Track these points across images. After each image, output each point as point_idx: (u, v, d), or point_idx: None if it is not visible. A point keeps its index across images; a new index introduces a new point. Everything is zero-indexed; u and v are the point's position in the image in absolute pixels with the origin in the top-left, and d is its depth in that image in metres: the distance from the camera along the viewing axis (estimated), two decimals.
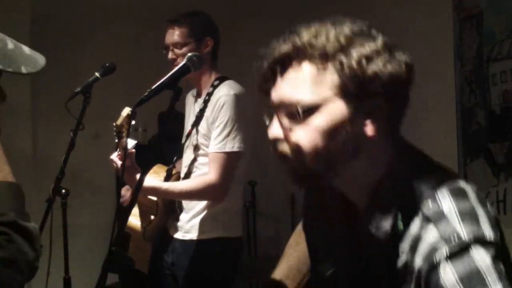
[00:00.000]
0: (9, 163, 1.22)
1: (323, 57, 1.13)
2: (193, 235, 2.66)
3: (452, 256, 1.06)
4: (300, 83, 1.13)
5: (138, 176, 2.39)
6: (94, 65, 2.69)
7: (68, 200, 2.76)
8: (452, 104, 3.20)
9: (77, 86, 2.61)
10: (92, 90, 2.61)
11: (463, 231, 1.08)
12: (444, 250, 1.07)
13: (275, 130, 1.17)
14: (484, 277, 1.04)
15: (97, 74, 2.63)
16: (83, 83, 2.61)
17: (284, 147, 1.17)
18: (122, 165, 2.20)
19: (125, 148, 2.36)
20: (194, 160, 2.68)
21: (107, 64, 2.68)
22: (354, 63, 1.11)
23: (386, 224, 1.16)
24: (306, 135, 1.14)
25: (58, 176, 2.61)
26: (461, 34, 3.17)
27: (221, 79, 2.67)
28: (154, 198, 2.68)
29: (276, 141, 1.18)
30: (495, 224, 1.12)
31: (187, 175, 2.70)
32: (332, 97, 1.12)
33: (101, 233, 4.06)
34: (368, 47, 1.13)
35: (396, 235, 1.15)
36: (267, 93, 1.19)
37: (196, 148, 2.67)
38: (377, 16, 3.66)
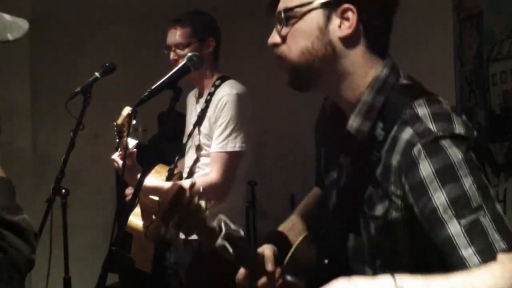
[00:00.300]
0: (1, 159, 1.20)
1: None
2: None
3: (427, 150, 1.19)
4: None
5: (139, 175, 2.40)
6: (94, 65, 2.69)
7: (68, 200, 2.75)
8: (452, 104, 3.20)
9: (77, 86, 2.61)
10: (92, 90, 2.61)
11: (435, 128, 1.21)
12: (419, 145, 1.20)
13: (271, 37, 1.36)
14: (456, 170, 1.18)
15: (97, 74, 2.64)
16: (83, 83, 2.61)
17: (278, 51, 1.35)
18: (123, 164, 2.20)
19: (125, 148, 2.37)
20: (197, 160, 2.69)
21: (107, 64, 2.68)
22: None
23: (365, 127, 1.30)
24: (291, 37, 1.32)
25: (58, 176, 2.61)
26: (461, 34, 3.17)
27: (223, 79, 2.68)
28: (156, 198, 2.68)
29: (274, 46, 1.36)
30: (468, 126, 1.25)
31: (190, 175, 2.70)
32: (310, 5, 1.30)
33: (101, 233, 4.07)
34: None
35: (376, 141, 1.29)
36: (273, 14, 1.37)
37: (199, 148, 2.67)
38: None
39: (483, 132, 3.03)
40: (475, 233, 1.15)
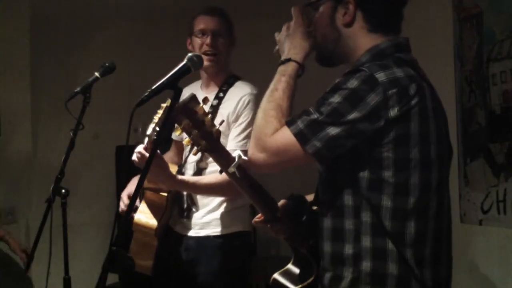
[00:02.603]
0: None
1: None
2: (209, 230, 2.67)
3: (345, 73, 1.59)
4: None
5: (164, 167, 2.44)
6: (94, 65, 2.69)
7: (68, 200, 2.75)
8: (452, 104, 3.20)
9: (77, 86, 2.61)
10: (92, 90, 2.61)
11: (369, 69, 1.55)
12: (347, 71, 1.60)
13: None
14: (340, 91, 1.55)
15: (97, 74, 2.63)
16: (83, 83, 2.61)
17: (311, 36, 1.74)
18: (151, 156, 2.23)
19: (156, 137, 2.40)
20: (203, 156, 2.68)
21: (107, 64, 2.67)
22: None
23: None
24: (315, 26, 1.73)
25: (58, 176, 2.61)
26: (461, 34, 3.17)
27: (235, 78, 2.72)
28: (165, 194, 2.68)
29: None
30: (402, 87, 1.55)
31: (198, 171, 2.69)
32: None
33: (101, 233, 4.08)
34: None
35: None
36: None
37: None
38: None
39: (483, 132, 3.03)
40: (301, 113, 1.60)
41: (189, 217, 2.72)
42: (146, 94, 1.81)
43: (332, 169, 1.63)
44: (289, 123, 1.59)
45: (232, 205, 2.67)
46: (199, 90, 2.76)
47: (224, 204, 2.67)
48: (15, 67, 4.21)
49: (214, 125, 1.67)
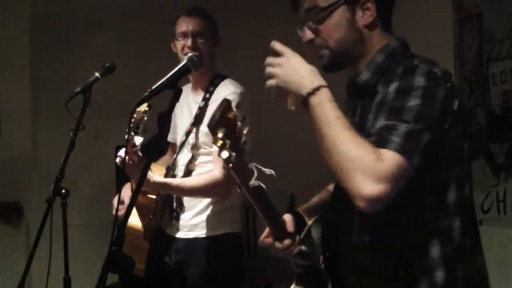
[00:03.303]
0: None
1: None
2: (198, 232, 2.67)
3: (403, 72, 1.46)
4: None
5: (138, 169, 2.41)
6: (94, 65, 2.69)
7: (68, 200, 2.75)
8: None
9: (77, 86, 2.61)
10: (92, 90, 2.61)
11: (419, 63, 1.47)
12: (400, 68, 1.48)
13: (305, 35, 1.64)
14: (410, 90, 1.43)
15: (97, 74, 2.63)
16: (83, 83, 2.60)
17: (317, 45, 1.62)
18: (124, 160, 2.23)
19: (134, 144, 2.38)
20: (193, 158, 2.68)
21: (107, 64, 2.67)
22: None
23: (372, 80, 1.57)
24: (324, 31, 1.61)
25: (58, 176, 2.61)
26: (461, 34, 3.17)
27: (221, 77, 2.68)
28: (153, 197, 2.68)
29: (309, 42, 1.63)
30: (449, 79, 1.49)
31: (187, 174, 2.70)
32: (338, 3, 1.58)
33: (101, 233, 4.07)
34: None
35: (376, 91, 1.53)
36: (296, 11, 1.66)
37: (195, 147, 2.66)
38: None
39: (483, 132, 3.03)
40: (386, 131, 1.41)
41: (178, 219, 2.72)
42: (146, 94, 1.81)
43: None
44: (383, 143, 1.39)
45: (221, 207, 2.66)
46: (189, 93, 2.76)
47: (212, 206, 2.66)
48: (15, 67, 4.21)
49: (243, 134, 1.47)
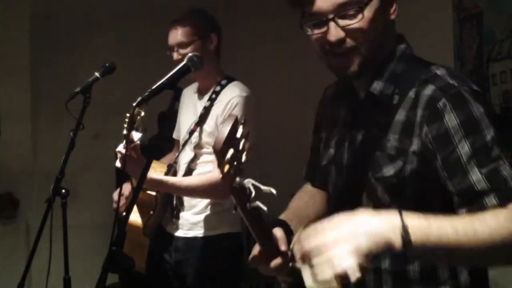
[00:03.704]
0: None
1: None
2: (197, 232, 2.67)
3: (453, 102, 1.28)
4: None
5: (137, 165, 2.40)
6: (94, 65, 2.69)
7: (68, 200, 2.75)
8: None
9: (77, 86, 2.61)
10: (92, 90, 2.61)
11: (456, 83, 1.33)
12: (444, 99, 1.29)
13: (335, 34, 1.38)
14: (479, 122, 1.27)
15: (97, 74, 2.63)
16: (83, 83, 2.60)
17: (348, 44, 1.38)
18: (125, 155, 2.23)
19: (129, 140, 2.36)
20: (195, 157, 2.69)
21: (107, 64, 2.67)
22: None
23: (388, 90, 1.40)
24: (358, 29, 1.36)
25: (58, 176, 2.61)
26: (461, 34, 3.17)
27: (229, 79, 2.69)
28: (153, 193, 2.68)
29: (339, 42, 1.38)
30: (479, 91, 1.36)
31: (188, 172, 2.70)
32: None
33: (101, 233, 4.07)
34: None
35: (390, 105, 1.38)
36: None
37: (198, 146, 2.67)
38: None
39: None
40: (495, 179, 1.23)
41: (178, 217, 2.73)
42: (146, 94, 1.81)
43: None
44: (506, 196, 1.22)
45: (221, 207, 2.66)
46: (195, 92, 2.77)
47: (212, 206, 2.66)
48: (15, 67, 4.21)
49: (248, 154, 1.30)
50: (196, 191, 2.61)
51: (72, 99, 2.57)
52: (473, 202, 1.24)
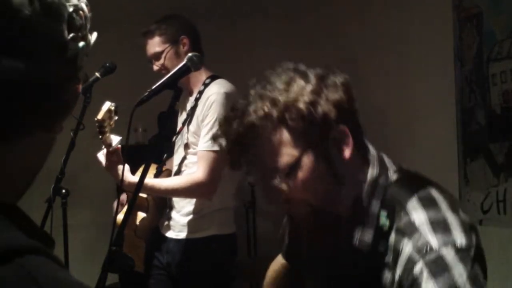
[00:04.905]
0: None
1: (276, 124, 1.19)
2: (187, 234, 2.67)
3: (430, 270, 1.10)
4: (271, 152, 1.20)
5: (120, 169, 2.40)
6: (94, 65, 2.69)
7: (68, 200, 2.75)
8: (452, 104, 3.20)
9: None
10: (92, 90, 2.61)
11: (435, 241, 1.12)
12: (421, 264, 1.12)
13: (278, 196, 1.24)
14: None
15: (97, 74, 2.64)
16: (83, 83, 2.61)
17: (292, 206, 1.26)
18: (117, 162, 2.22)
19: (110, 144, 2.36)
20: (184, 158, 2.69)
21: (107, 64, 2.68)
22: (302, 116, 1.17)
23: (368, 236, 1.23)
24: (297, 188, 1.21)
25: (58, 176, 2.61)
26: (461, 34, 3.17)
27: (213, 78, 2.69)
28: (144, 195, 2.68)
29: (286, 201, 1.25)
30: (469, 229, 1.16)
31: (177, 173, 2.71)
32: (300, 152, 1.19)
33: (101, 233, 4.07)
34: (307, 94, 1.18)
35: (376, 250, 1.22)
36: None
37: (187, 146, 2.68)
38: (377, 17, 3.67)
39: (483, 132, 3.03)
40: None
41: (170, 218, 2.73)
42: (146, 94, 1.81)
43: None
44: None
45: (210, 208, 2.66)
46: (186, 96, 2.78)
47: (200, 207, 2.66)
48: None
49: None
50: (179, 192, 2.61)
51: None
52: None
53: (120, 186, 2.22)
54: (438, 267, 1.10)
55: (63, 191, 2.65)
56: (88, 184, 4.27)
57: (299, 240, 1.47)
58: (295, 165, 1.20)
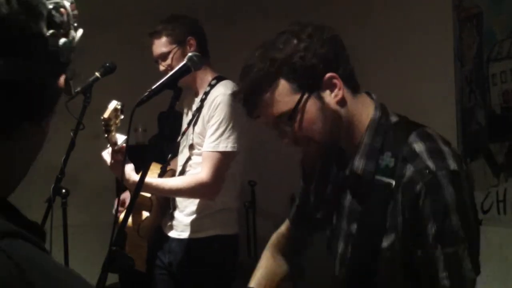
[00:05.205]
0: None
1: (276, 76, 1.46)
2: (188, 233, 2.67)
3: (428, 188, 1.36)
4: (275, 102, 1.46)
5: (127, 169, 2.40)
6: (94, 65, 2.69)
7: (68, 200, 2.75)
8: (452, 104, 3.20)
9: (77, 86, 2.60)
10: (92, 90, 2.61)
11: (432, 165, 1.38)
12: (421, 184, 1.37)
13: (286, 139, 1.50)
14: (448, 209, 1.36)
15: (97, 74, 2.63)
16: (83, 83, 2.61)
17: (302, 141, 1.49)
18: (123, 161, 2.22)
19: (116, 143, 2.35)
20: (189, 159, 2.69)
21: (107, 64, 2.68)
22: (296, 68, 1.44)
23: (370, 168, 1.46)
24: (301, 129, 1.46)
25: (58, 176, 2.61)
26: (461, 34, 3.17)
27: (219, 79, 2.69)
28: (148, 195, 2.68)
29: (293, 144, 1.50)
30: (459, 159, 1.42)
31: (181, 173, 2.71)
32: (299, 98, 1.45)
33: (101, 233, 4.07)
34: (299, 51, 1.44)
35: (387, 170, 1.44)
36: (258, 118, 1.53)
37: (191, 147, 2.68)
38: (377, 17, 3.67)
39: (483, 132, 3.03)
40: (451, 261, 1.38)
41: (172, 218, 2.73)
42: (146, 94, 1.81)
43: None
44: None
45: (213, 208, 2.66)
46: (189, 97, 2.79)
47: (203, 207, 2.66)
48: None
49: None
50: (182, 192, 2.61)
51: (72, 99, 2.57)
52: (433, 276, 1.39)
53: (121, 182, 2.21)
54: (434, 187, 1.36)
55: (63, 191, 2.66)
56: (88, 184, 4.27)
57: (309, 197, 1.70)
58: (296, 108, 1.44)
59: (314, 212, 1.66)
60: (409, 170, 1.39)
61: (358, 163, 1.47)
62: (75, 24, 0.87)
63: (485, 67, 3.01)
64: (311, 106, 1.45)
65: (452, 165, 1.38)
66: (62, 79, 0.84)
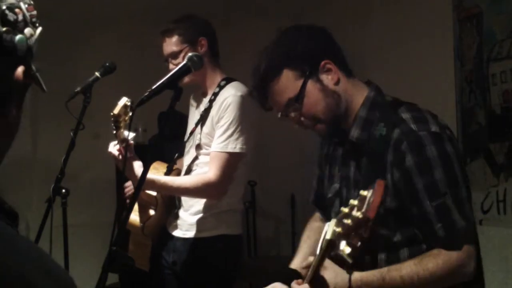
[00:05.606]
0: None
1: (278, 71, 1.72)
2: (193, 232, 2.67)
3: (411, 146, 1.58)
4: (282, 90, 1.72)
5: (136, 165, 2.40)
6: (94, 65, 2.69)
7: (68, 200, 2.75)
8: (452, 104, 3.20)
9: (77, 86, 2.61)
10: (92, 90, 2.61)
11: (416, 128, 1.61)
12: (405, 143, 1.59)
13: (295, 121, 1.75)
14: (430, 163, 1.57)
15: (97, 74, 2.64)
16: (83, 83, 2.61)
17: (309, 122, 1.74)
18: (124, 157, 2.23)
19: (124, 140, 2.35)
20: (196, 158, 2.69)
21: (107, 64, 2.68)
22: (295, 58, 1.71)
23: (363, 136, 1.70)
24: (311, 109, 1.72)
25: (58, 176, 2.61)
26: (461, 34, 3.17)
27: (228, 80, 2.69)
28: (153, 193, 2.68)
29: (301, 125, 1.76)
30: (442, 127, 1.64)
31: (187, 173, 2.71)
32: (302, 83, 1.70)
33: (101, 233, 4.08)
34: (298, 44, 1.72)
35: (380, 138, 1.65)
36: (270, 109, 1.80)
37: (199, 147, 2.68)
38: (377, 17, 3.67)
39: (483, 132, 3.03)
40: (441, 212, 1.57)
41: (177, 217, 2.73)
42: (146, 94, 1.81)
43: None
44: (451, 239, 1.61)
45: (218, 208, 2.66)
46: (197, 97, 2.79)
47: (209, 207, 2.66)
48: None
49: None
50: (189, 191, 2.61)
51: (72, 99, 2.58)
52: (428, 228, 1.60)
53: (122, 173, 2.21)
54: (417, 145, 1.58)
55: (63, 191, 2.66)
56: (88, 184, 4.28)
57: (323, 181, 1.92)
58: (301, 92, 1.69)
59: (327, 192, 1.86)
60: (396, 133, 1.61)
61: (353, 133, 1.71)
62: (35, 23, 1.00)
63: (485, 67, 3.01)
64: (313, 88, 1.70)
65: (434, 127, 1.61)
66: (20, 70, 0.93)
